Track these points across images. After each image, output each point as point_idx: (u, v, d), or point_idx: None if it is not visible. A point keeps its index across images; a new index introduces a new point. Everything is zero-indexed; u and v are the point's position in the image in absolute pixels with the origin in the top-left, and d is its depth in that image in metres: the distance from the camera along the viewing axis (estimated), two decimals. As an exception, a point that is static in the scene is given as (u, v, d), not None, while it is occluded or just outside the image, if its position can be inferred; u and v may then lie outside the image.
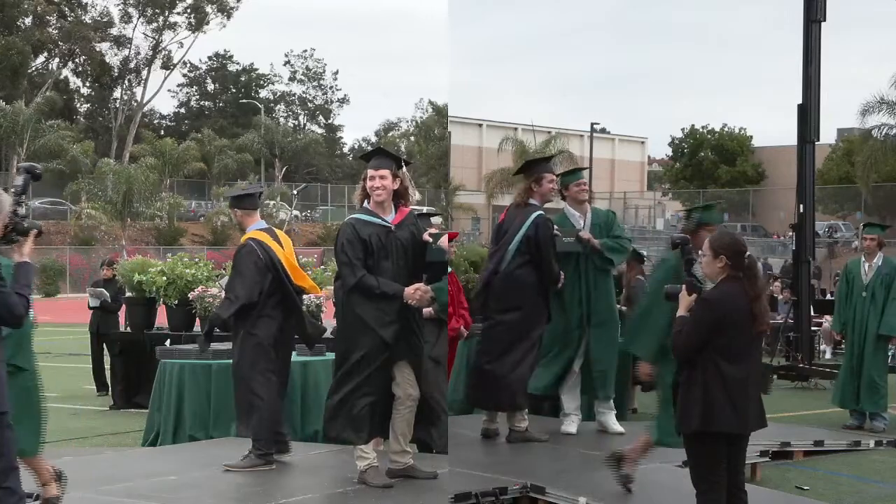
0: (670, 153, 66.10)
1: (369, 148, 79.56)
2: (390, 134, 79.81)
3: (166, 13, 64.97)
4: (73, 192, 49.57)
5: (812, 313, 14.92)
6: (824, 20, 13.70)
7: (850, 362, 10.97)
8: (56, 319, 23.37)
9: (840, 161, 51.65)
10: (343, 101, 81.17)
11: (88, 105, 71.51)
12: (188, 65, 75.64)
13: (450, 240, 7.57)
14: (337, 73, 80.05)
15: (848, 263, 11.54)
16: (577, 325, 8.82)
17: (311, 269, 12.77)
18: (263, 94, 78.22)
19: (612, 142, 67.28)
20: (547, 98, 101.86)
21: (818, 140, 13.99)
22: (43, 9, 60.91)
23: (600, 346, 8.87)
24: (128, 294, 12.93)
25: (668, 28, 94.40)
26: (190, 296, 11.32)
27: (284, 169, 64.29)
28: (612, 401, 9.09)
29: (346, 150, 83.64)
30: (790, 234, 24.63)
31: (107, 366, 13.36)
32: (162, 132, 68.82)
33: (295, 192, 53.94)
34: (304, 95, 79.74)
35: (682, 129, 63.70)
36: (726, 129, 61.95)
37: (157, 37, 65.79)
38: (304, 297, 11.28)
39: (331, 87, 79.90)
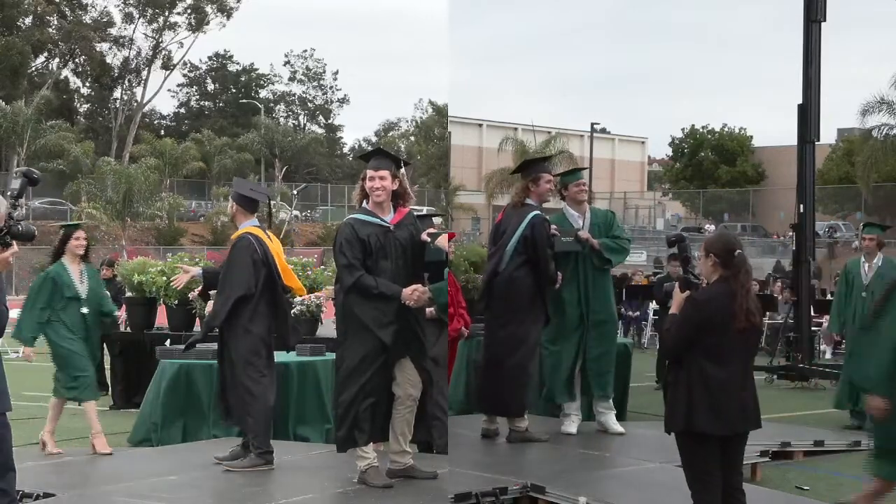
0: (670, 153, 66.09)
1: (369, 148, 79.61)
2: (390, 134, 79.83)
3: (166, 13, 64.94)
4: (73, 192, 49.52)
5: (812, 313, 14.92)
6: (824, 20, 13.70)
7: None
8: (56, 319, 23.15)
9: (840, 161, 51.62)
10: (343, 101, 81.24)
11: (88, 105, 71.47)
12: (188, 65, 75.68)
13: (448, 240, 7.56)
14: (337, 73, 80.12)
15: (847, 263, 11.54)
16: (577, 325, 8.83)
17: (311, 268, 12.79)
18: (263, 94, 78.23)
19: (612, 142, 67.29)
20: (547, 98, 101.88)
21: (818, 140, 13.99)
22: (43, 9, 60.87)
23: (599, 346, 8.88)
24: (128, 294, 12.93)
25: (667, 28, 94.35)
26: (190, 296, 11.31)
27: (284, 169, 64.26)
28: (611, 401, 9.09)
29: (346, 150, 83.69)
30: (790, 234, 24.66)
31: (107, 366, 13.34)
32: (162, 132, 68.82)
33: (295, 192, 53.94)
34: (304, 95, 79.78)
35: (682, 129, 63.78)
36: (726, 129, 61.95)
37: (157, 37, 65.80)
38: (305, 296, 11.35)
39: (331, 87, 79.96)
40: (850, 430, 10.53)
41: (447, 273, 8.26)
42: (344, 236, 6.86)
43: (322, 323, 11.77)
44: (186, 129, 71.48)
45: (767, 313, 18.24)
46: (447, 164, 65.20)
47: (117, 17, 65.17)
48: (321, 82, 79.56)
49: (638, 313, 21.79)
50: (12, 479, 4.93)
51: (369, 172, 6.94)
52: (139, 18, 65.36)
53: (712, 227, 52.01)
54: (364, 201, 7.01)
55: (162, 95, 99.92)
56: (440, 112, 67.50)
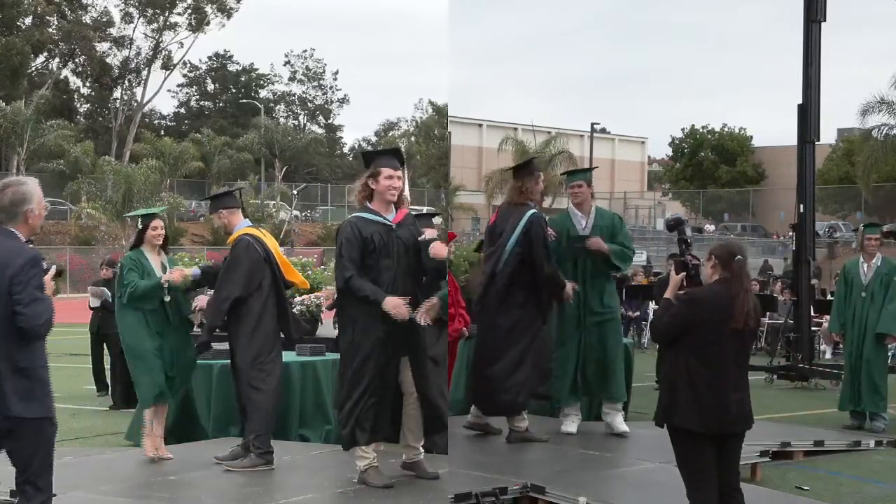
0: (670, 153, 66.11)
1: (369, 148, 79.76)
2: (390, 134, 79.79)
3: (166, 13, 64.92)
4: (72, 192, 49.51)
5: (812, 313, 14.93)
6: (824, 20, 13.70)
7: (849, 363, 10.97)
8: (56, 319, 23.26)
9: (840, 161, 51.61)
10: (343, 101, 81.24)
11: (88, 105, 71.45)
12: (188, 65, 75.70)
13: (449, 241, 7.56)
14: (337, 73, 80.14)
15: (846, 264, 11.54)
16: (576, 326, 8.81)
17: (311, 268, 12.77)
18: (263, 94, 78.21)
19: (612, 142, 67.31)
20: (547, 98, 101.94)
21: (818, 140, 13.99)
22: (43, 9, 60.84)
23: (606, 347, 8.84)
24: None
25: (667, 28, 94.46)
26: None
27: (284, 169, 64.24)
28: (620, 402, 9.10)
29: (346, 150, 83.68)
30: (790, 234, 24.66)
31: (107, 366, 13.35)
32: (162, 132, 68.75)
33: (295, 192, 53.83)
34: (304, 95, 79.77)
35: (682, 129, 63.81)
36: (726, 129, 61.95)
37: (157, 37, 65.77)
38: (305, 296, 11.34)
39: (331, 87, 79.96)
40: (850, 430, 10.55)
41: (447, 273, 8.26)
42: (344, 235, 6.86)
43: (322, 323, 11.76)
44: (186, 129, 71.46)
45: (767, 313, 18.25)
46: (447, 164, 65.23)
47: (117, 17, 65.25)
48: (321, 82, 79.62)
49: (638, 313, 21.77)
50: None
51: (387, 171, 6.90)
52: (139, 18, 65.37)
53: (712, 228, 52.06)
54: (366, 200, 6.99)
55: (162, 95, 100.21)
56: (440, 112, 67.41)
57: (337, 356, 8.68)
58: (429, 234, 7.31)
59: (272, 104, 78.04)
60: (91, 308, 13.72)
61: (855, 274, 11.00)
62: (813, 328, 15.03)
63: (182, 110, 79.04)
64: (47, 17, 62.23)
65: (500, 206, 8.92)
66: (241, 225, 7.90)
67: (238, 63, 78.61)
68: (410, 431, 7.05)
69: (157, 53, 66.38)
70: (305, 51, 79.83)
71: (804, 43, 13.74)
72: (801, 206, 13.80)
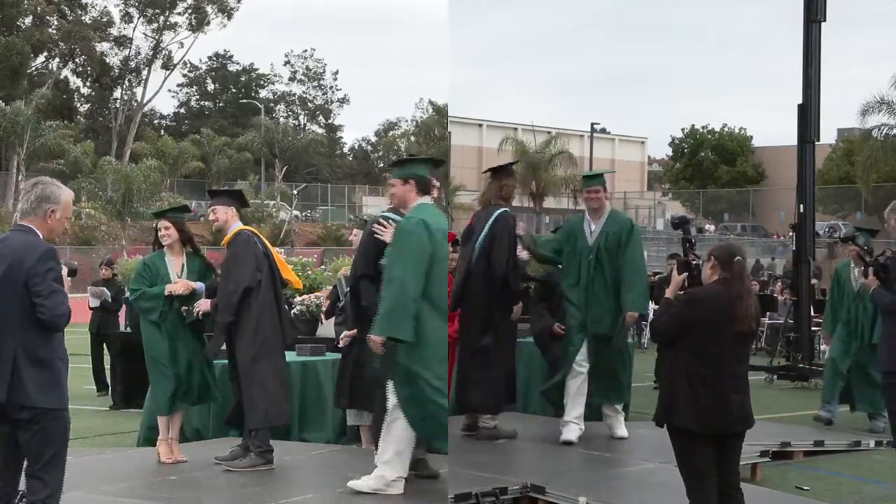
0: (670, 153, 66.08)
1: (369, 148, 79.70)
2: (390, 134, 79.80)
3: (167, 13, 64.94)
4: (73, 191, 49.56)
5: (812, 313, 14.94)
6: (824, 20, 13.71)
7: (834, 364, 11.10)
8: (56, 319, 23.18)
9: (840, 161, 51.59)
10: (343, 101, 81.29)
11: (88, 105, 71.49)
12: (188, 65, 75.78)
13: (449, 241, 7.58)
14: (337, 73, 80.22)
15: (837, 266, 11.59)
16: (579, 330, 8.75)
17: (311, 268, 12.79)
18: (263, 94, 78.24)
19: (612, 142, 67.27)
20: (547, 98, 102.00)
21: (818, 140, 14.00)
22: (43, 9, 60.86)
23: (610, 353, 8.79)
24: (128, 294, 12.92)
25: (667, 28, 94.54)
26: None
27: (284, 169, 64.26)
28: (621, 406, 9.11)
29: (346, 150, 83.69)
30: (790, 234, 24.65)
31: (107, 366, 13.35)
32: (162, 132, 68.77)
33: (295, 192, 53.91)
34: (304, 95, 79.81)
35: (682, 129, 63.75)
36: (726, 129, 61.91)
37: (157, 37, 65.79)
38: (305, 296, 11.34)
39: (331, 87, 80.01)
40: (817, 427, 10.54)
41: (447, 275, 8.26)
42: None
43: (322, 323, 11.76)
44: (186, 129, 71.50)
45: (767, 313, 18.25)
46: (447, 164, 65.03)
47: (117, 17, 65.27)
48: (321, 82, 79.66)
49: (638, 313, 21.78)
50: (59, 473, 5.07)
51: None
52: (139, 18, 65.39)
53: (712, 228, 52.04)
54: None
55: (162, 95, 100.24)
56: (440, 112, 67.41)
57: (337, 356, 8.72)
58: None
59: (272, 104, 78.07)
60: (91, 308, 13.72)
61: (846, 278, 11.06)
62: (813, 328, 15.03)
63: (182, 110, 79.13)
64: (47, 17, 62.26)
65: (477, 210, 8.99)
66: (236, 225, 7.90)
67: (238, 63, 78.77)
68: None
69: (157, 53, 66.42)
70: (305, 51, 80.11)
71: (804, 43, 13.75)
72: (801, 206, 13.81)
